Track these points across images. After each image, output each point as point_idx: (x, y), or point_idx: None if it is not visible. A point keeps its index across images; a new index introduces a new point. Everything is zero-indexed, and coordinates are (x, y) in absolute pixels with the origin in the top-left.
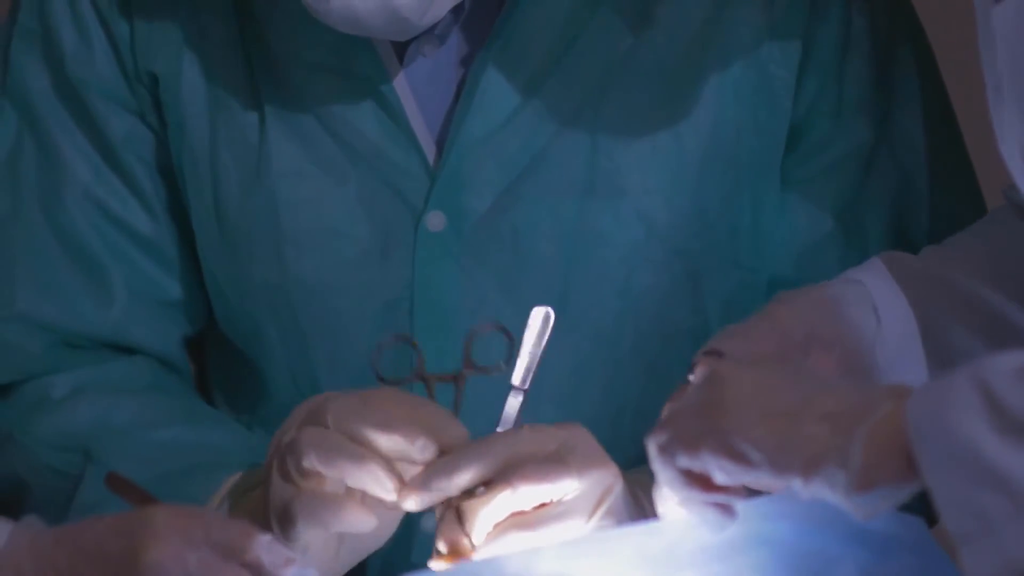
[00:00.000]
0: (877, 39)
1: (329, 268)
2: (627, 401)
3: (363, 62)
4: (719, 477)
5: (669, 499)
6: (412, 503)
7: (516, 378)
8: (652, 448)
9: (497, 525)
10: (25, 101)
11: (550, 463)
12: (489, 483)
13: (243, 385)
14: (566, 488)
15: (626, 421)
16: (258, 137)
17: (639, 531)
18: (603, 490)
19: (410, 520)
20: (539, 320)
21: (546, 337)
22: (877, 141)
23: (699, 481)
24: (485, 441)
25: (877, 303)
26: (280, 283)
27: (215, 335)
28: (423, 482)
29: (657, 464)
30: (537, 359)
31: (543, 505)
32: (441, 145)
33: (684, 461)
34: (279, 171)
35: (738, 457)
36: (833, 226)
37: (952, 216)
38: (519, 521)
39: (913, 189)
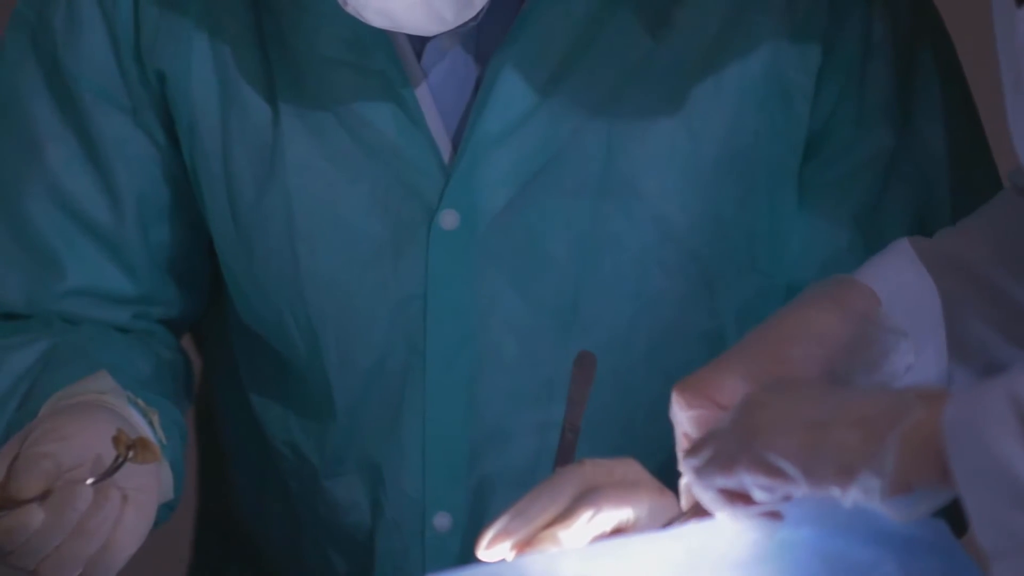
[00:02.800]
0: (899, 44)
1: (342, 265)
2: (640, 404)
3: (381, 58)
4: (757, 494)
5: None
6: (494, 553)
7: (569, 418)
8: (688, 471)
9: None
10: (12, 87)
11: (625, 487)
12: (562, 515)
13: (271, 373)
14: (640, 512)
15: (638, 424)
16: (272, 133)
17: (663, 536)
18: (668, 516)
19: (421, 521)
20: (584, 361)
21: (593, 376)
22: (898, 147)
23: (739, 498)
24: (554, 478)
25: (896, 289)
26: (294, 279)
27: (239, 325)
28: (504, 528)
29: (696, 487)
30: (586, 398)
31: (617, 532)
32: (457, 143)
33: (721, 481)
34: (293, 167)
35: (773, 472)
36: (853, 232)
37: None
38: None
39: (934, 195)
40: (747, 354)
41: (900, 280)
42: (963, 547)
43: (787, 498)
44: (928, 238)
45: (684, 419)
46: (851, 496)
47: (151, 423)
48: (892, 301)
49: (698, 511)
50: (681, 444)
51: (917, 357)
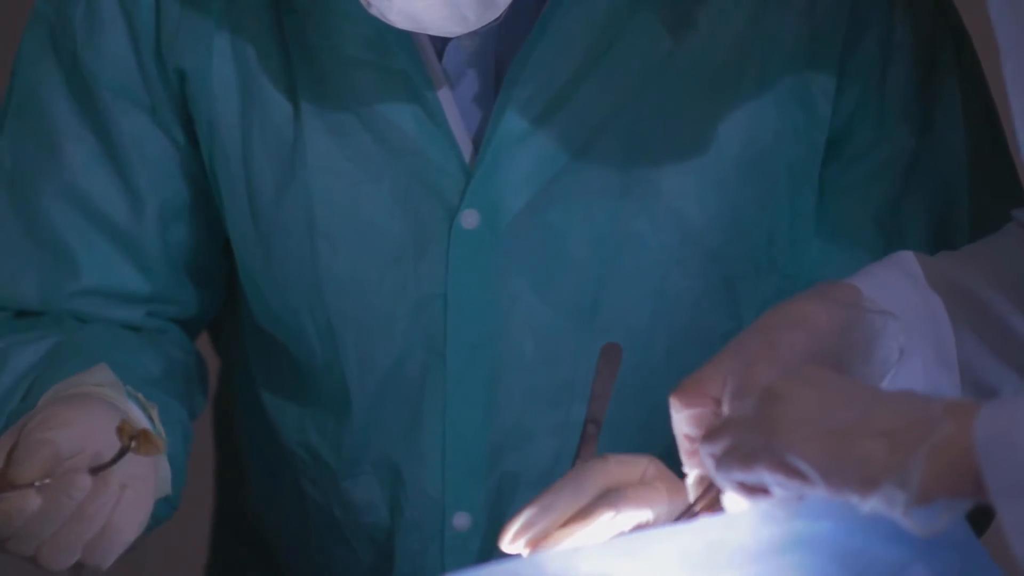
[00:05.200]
0: (920, 46)
1: (363, 264)
2: (659, 404)
3: (403, 58)
4: (777, 492)
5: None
6: (519, 546)
7: (592, 411)
8: (708, 459)
9: None
10: (31, 85)
11: (646, 487)
12: (581, 513)
13: (285, 373)
14: (660, 511)
15: (658, 424)
16: (292, 132)
17: (681, 531)
18: (683, 511)
19: (440, 521)
20: (610, 354)
21: (618, 369)
22: (918, 148)
23: (758, 491)
24: (578, 474)
25: (897, 307)
26: (313, 279)
27: (252, 326)
28: (528, 523)
29: (716, 476)
30: (610, 391)
31: (636, 530)
32: (478, 143)
33: (740, 476)
34: (314, 166)
35: (794, 474)
36: (873, 233)
37: (994, 223)
38: None
39: (954, 196)
40: (735, 348)
41: (891, 287)
42: (982, 545)
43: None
44: (926, 255)
45: (681, 419)
46: (870, 505)
47: (150, 417)
48: (881, 301)
49: (706, 506)
50: (683, 445)
51: (905, 364)
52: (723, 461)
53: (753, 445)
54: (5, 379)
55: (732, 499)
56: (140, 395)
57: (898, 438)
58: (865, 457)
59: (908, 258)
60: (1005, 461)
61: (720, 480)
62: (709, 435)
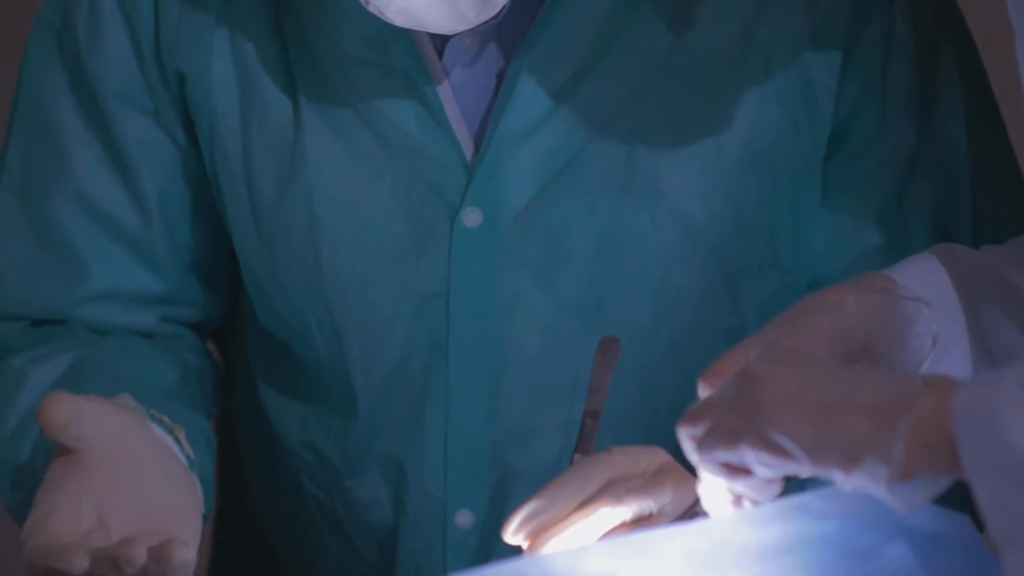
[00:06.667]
0: (920, 41)
1: (365, 263)
2: (662, 401)
3: (403, 56)
4: (760, 470)
5: (713, 494)
6: (521, 538)
7: (590, 404)
8: (686, 440)
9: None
10: (37, 91)
11: (650, 479)
12: (582, 505)
13: (289, 373)
14: (663, 501)
15: (661, 421)
16: (293, 132)
17: (686, 531)
18: (691, 505)
19: (443, 519)
20: (608, 347)
21: (615, 362)
22: (920, 143)
23: (740, 471)
24: (583, 466)
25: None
26: (316, 278)
27: (255, 327)
28: (531, 514)
29: (695, 457)
30: (607, 384)
31: (638, 522)
32: (479, 141)
33: (723, 455)
34: (315, 166)
35: (777, 451)
36: (876, 229)
37: (996, 217)
38: None
39: (956, 191)
40: (760, 331)
41: (927, 277)
42: (986, 543)
43: (790, 476)
44: (959, 246)
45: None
46: (854, 481)
47: (177, 439)
48: (915, 290)
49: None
50: None
51: (941, 355)
52: (705, 441)
53: (735, 424)
54: (27, 397)
55: (709, 482)
56: (165, 418)
57: (881, 413)
58: (848, 432)
59: (946, 250)
60: (980, 434)
61: (701, 461)
62: (689, 417)
